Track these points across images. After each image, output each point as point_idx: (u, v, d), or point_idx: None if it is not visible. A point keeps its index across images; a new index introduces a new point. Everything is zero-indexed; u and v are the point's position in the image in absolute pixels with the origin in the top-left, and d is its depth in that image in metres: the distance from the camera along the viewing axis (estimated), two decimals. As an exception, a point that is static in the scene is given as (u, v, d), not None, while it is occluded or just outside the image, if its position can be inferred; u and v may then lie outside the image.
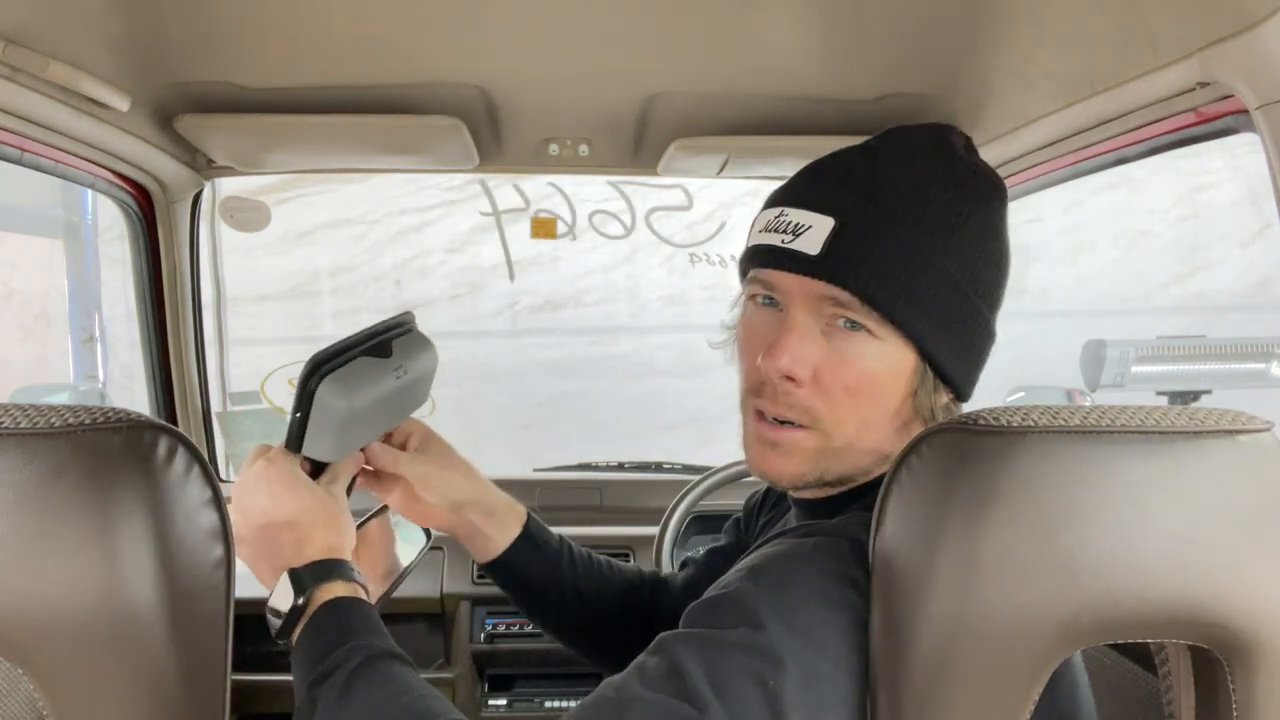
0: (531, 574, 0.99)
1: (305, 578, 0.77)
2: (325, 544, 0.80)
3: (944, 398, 0.76)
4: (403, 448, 0.95)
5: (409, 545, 1.02)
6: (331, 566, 0.78)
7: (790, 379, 0.73)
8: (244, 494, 0.80)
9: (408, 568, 1.00)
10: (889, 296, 0.70)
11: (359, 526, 0.92)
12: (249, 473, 0.82)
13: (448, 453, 0.98)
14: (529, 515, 1.00)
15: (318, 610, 0.75)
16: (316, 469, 0.86)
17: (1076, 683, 0.73)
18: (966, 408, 0.78)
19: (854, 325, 0.72)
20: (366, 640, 0.72)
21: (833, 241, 0.71)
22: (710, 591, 0.67)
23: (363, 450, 0.91)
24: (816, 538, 0.69)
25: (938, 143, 0.76)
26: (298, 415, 0.80)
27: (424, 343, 0.93)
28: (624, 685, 0.61)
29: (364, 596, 0.79)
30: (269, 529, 0.79)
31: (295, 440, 0.81)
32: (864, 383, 0.73)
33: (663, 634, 0.64)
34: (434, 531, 1.03)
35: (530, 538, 0.99)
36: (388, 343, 0.87)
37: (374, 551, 0.97)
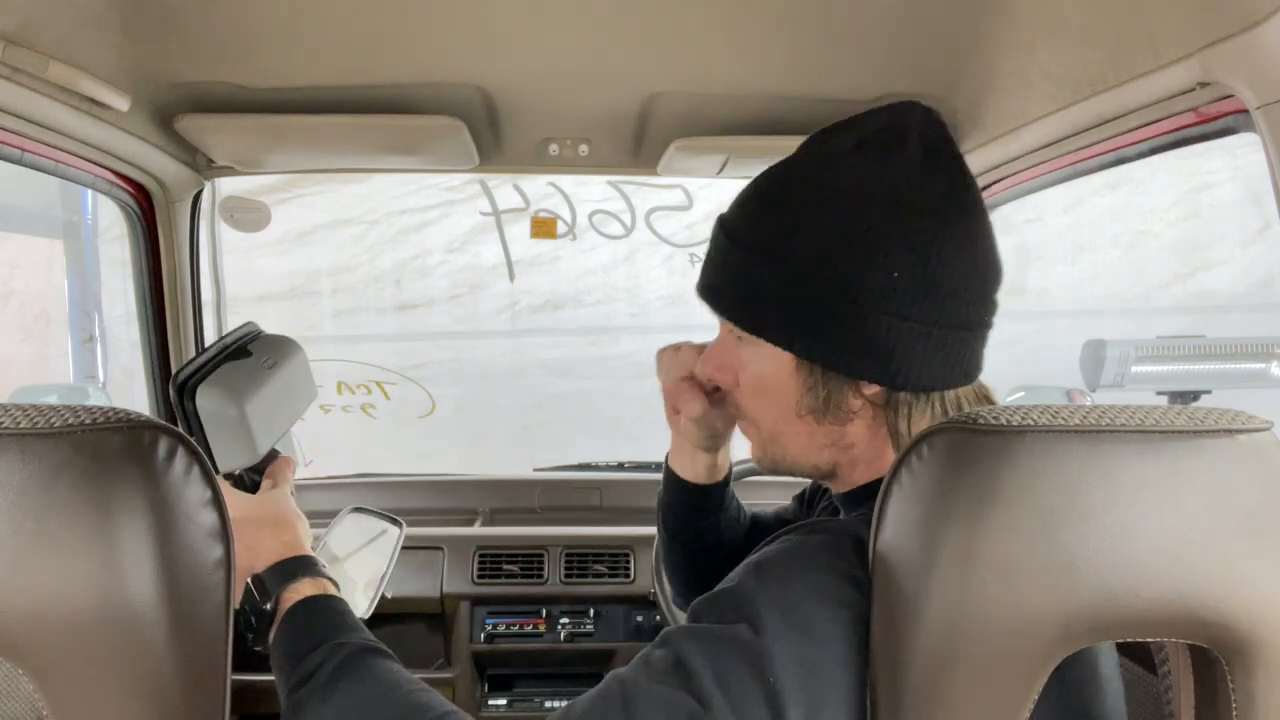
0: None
1: (269, 581, 0.76)
2: (278, 544, 0.79)
3: (870, 387, 0.73)
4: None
5: (382, 543, 1.03)
6: (293, 566, 0.78)
7: (717, 387, 0.82)
8: None
9: (389, 564, 1.00)
10: (733, 308, 0.76)
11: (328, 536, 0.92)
12: None
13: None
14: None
15: (288, 612, 0.75)
16: (254, 486, 0.85)
17: (1093, 679, 0.71)
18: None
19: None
20: (344, 638, 0.72)
21: (711, 260, 0.78)
22: (716, 586, 0.68)
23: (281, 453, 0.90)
24: (820, 535, 0.69)
25: (848, 143, 0.74)
26: (194, 438, 0.80)
27: (279, 338, 0.94)
28: (629, 678, 0.62)
29: (333, 591, 0.79)
30: None
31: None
32: (759, 384, 0.77)
33: (668, 629, 0.66)
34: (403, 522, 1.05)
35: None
36: (243, 346, 0.87)
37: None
